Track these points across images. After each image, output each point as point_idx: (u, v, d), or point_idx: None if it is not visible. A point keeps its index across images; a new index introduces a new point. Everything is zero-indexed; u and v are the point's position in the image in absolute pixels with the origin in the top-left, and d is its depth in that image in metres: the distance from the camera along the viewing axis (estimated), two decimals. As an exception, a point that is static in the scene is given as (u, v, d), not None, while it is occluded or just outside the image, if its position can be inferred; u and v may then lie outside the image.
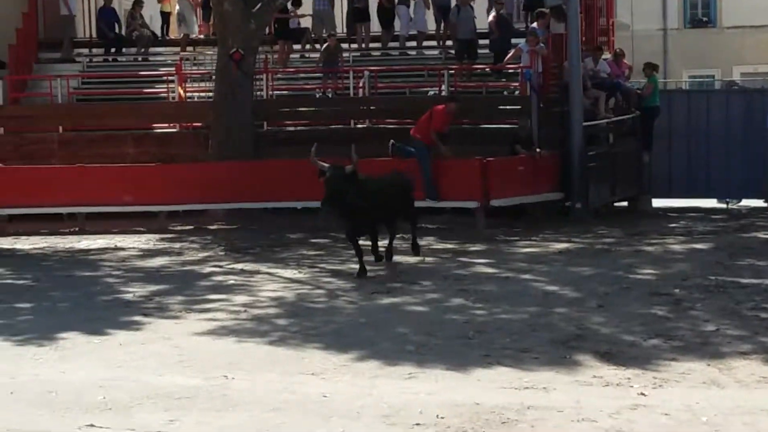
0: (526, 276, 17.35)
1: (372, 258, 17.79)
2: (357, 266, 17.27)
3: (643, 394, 10.40)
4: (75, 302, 15.89)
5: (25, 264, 19.50)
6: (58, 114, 26.32)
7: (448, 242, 20.37)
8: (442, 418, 9.80)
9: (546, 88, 25.32)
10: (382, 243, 18.10)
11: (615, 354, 12.07)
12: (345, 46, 28.17)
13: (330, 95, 27.20)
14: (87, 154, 24.37)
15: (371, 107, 26.19)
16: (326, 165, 16.83)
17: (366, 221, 17.38)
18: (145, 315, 14.99)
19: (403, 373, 11.58)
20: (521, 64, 25.48)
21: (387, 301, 15.61)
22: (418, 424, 9.68)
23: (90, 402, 10.75)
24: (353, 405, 10.39)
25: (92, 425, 9.98)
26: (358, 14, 28.45)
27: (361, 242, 17.59)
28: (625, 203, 26.67)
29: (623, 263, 18.39)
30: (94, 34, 29.05)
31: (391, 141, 22.35)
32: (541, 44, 25.28)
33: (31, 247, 21.39)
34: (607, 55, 27.58)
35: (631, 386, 10.75)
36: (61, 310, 15.40)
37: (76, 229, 22.95)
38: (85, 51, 28.83)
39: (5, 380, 11.65)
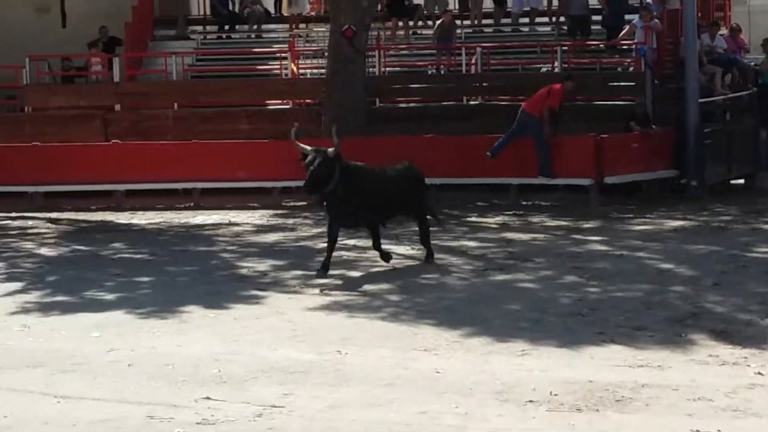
0: (641, 254, 17.31)
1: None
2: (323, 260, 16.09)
3: (760, 373, 10.40)
4: (192, 276, 16.27)
5: (142, 239, 19.91)
6: (173, 91, 26.76)
7: (562, 220, 20.39)
8: (555, 395, 9.94)
9: (661, 65, 25.20)
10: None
11: (731, 333, 12.06)
12: (458, 22, 28.08)
13: (442, 72, 27.25)
14: (201, 130, 24.78)
15: (483, 84, 26.25)
16: (308, 148, 15.88)
17: (351, 212, 16.09)
18: (260, 290, 15.26)
19: (515, 349, 11.70)
20: (635, 40, 25.40)
21: (499, 278, 15.71)
22: (531, 401, 9.83)
23: (206, 375, 11.06)
24: (466, 381, 10.55)
25: (208, 398, 10.29)
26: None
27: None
28: (741, 181, 25.93)
29: (740, 241, 18.28)
30: (207, 12, 29.40)
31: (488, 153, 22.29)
32: (656, 20, 25.19)
33: (147, 222, 21.81)
34: (723, 31, 27.19)
35: (748, 365, 10.73)
36: (179, 284, 15.78)
37: (191, 204, 23.35)
38: (199, 28, 29.30)
39: (125, 353, 12.02)
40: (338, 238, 16.30)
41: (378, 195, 16.22)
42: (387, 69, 27.50)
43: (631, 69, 25.90)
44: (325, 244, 16.30)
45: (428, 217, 17.18)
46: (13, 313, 14.28)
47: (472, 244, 18.48)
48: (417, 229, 17.13)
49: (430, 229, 17.11)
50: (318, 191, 15.86)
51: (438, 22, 27.39)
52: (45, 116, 25.87)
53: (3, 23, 27.44)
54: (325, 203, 16.29)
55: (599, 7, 27.17)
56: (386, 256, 16.54)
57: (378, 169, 16.68)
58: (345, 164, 15.70)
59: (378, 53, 27.04)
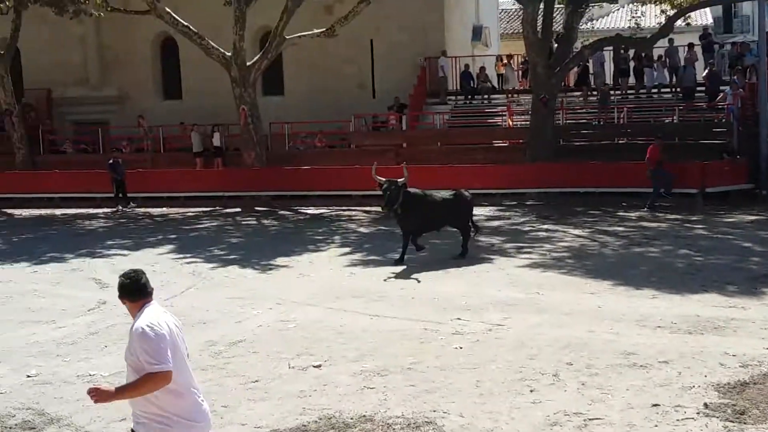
0: (729, 236, 16.80)
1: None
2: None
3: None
4: (448, 245, 16.21)
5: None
6: (437, 135, 27.04)
7: (677, 215, 19.76)
8: (675, 323, 9.94)
9: (744, 117, 24.24)
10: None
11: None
12: (612, 92, 27.52)
13: (602, 122, 26.77)
14: (454, 159, 24.99)
15: (628, 130, 25.66)
16: (383, 179, 14.71)
17: (408, 223, 14.76)
18: (489, 254, 15.38)
19: (648, 294, 11.63)
20: (727, 102, 24.47)
21: (637, 250, 15.45)
22: (659, 327, 9.84)
23: (457, 305, 11.30)
24: (616, 313, 10.55)
25: (459, 318, 10.51)
26: (621, 72, 27.84)
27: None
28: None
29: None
30: (458, 87, 29.52)
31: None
32: (740, 89, 24.24)
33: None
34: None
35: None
36: (442, 249, 15.85)
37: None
38: (453, 98, 29.33)
39: (409, 291, 12.32)
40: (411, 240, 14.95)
41: (426, 213, 14.81)
42: (567, 121, 27.18)
43: (723, 120, 24.85)
44: (529, 228, 16.07)
45: (470, 226, 15.60)
46: (345, 266, 14.76)
47: (619, 228, 18.14)
48: (461, 235, 15.40)
49: (471, 234, 15.56)
50: (392, 208, 14.44)
51: (600, 91, 26.93)
52: (362, 150, 26.47)
53: (338, 95, 28.20)
54: (393, 216, 15.00)
55: (703, 81, 26.16)
56: (420, 248, 14.94)
57: (429, 194, 15.07)
58: (406, 191, 14.54)
59: (562, 111, 26.75)
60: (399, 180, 14.56)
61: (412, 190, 14.75)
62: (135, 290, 4.99)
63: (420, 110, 28.35)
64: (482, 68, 29.69)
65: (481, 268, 14.07)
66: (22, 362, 9.15)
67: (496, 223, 19.75)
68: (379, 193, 23.35)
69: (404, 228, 14.87)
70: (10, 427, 7.17)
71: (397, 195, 14.36)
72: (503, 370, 8.38)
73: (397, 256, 14.71)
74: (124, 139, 29.15)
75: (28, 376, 8.61)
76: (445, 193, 15.34)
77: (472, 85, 29.03)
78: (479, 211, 21.65)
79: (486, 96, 29.18)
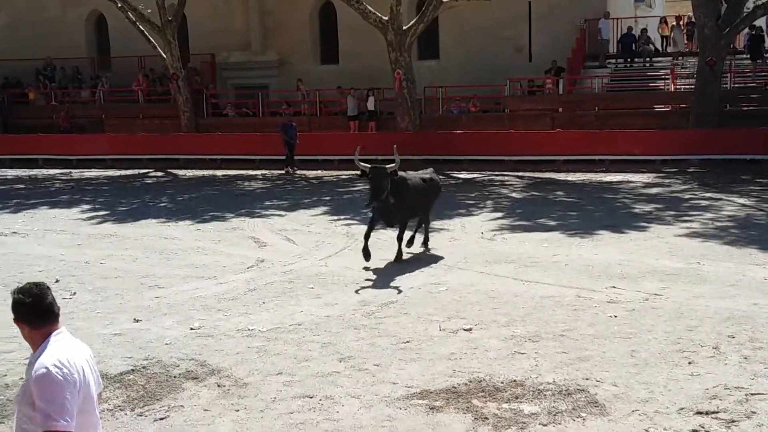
0: None
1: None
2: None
3: None
4: (603, 213, 16.14)
5: (573, 189, 19.87)
6: (595, 99, 26.39)
7: None
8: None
9: None
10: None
11: None
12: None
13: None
14: (612, 123, 24.42)
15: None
16: (367, 166, 12.17)
17: (397, 216, 12.40)
18: (646, 222, 14.96)
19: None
20: None
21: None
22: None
23: (612, 273, 11.05)
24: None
25: (614, 287, 10.30)
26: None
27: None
28: None
29: None
30: (618, 50, 28.60)
31: None
32: None
33: (576, 179, 21.72)
34: None
35: None
36: (594, 217, 15.69)
37: (604, 169, 22.93)
38: (613, 61, 28.44)
39: (562, 257, 12.14)
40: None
41: (415, 199, 12.59)
42: (735, 85, 25.91)
43: None
44: (690, 196, 15.45)
45: None
46: (493, 230, 14.68)
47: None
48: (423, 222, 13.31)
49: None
50: (380, 200, 11.83)
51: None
52: (517, 115, 26.23)
53: (492, 58, 27.85)
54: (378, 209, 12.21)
55: None
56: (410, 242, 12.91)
57: (412, 177, 12.78)
58: (395, 177, 12.10)
59: (730, 75, 25.52)
60: (388, 165, 12.05)
61: (400, 176, 12.32)
62: (38, 313, 3.80)
63: (578, 74, 27.66)
64: (644, 30, 28.67)
65: (639, 236, 13.67)
66: (186, 315, 9.60)
67: (654, 191, 19.14)
68: (534, 158, 23.44)
69: (392, 221, 12.48)
70: (175, 376, 7.55)
71: (385, 184, 11.82)
72: (660, 340, 8.14)
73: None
74: (282, 103, 29.95)
75: (192, 329, 9.03)
76: (423, 174, 13.21)
77: (633, 48, 28.06)
78: (638, 178, 21.12)
79: (648, 59, 28.16)
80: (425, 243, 13.17)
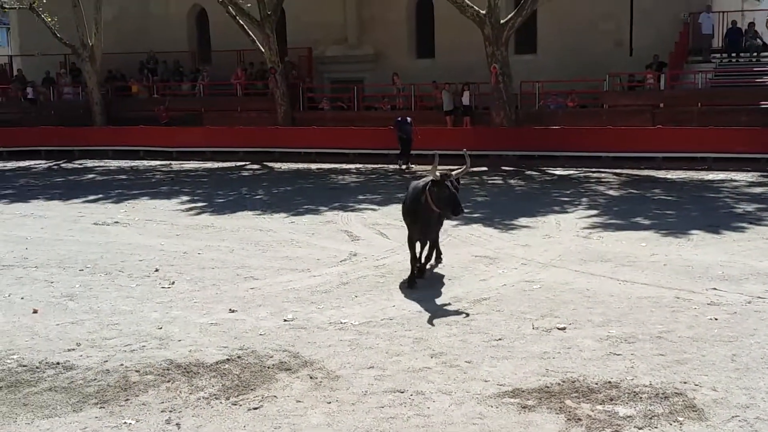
0: None
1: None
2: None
3: None
4: (702, 212, 15.73)
5: (673, 187, 19.41)
6: (699, 95, 25.56)
7: None
8: None
9: None
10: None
11: None
12: None
13: None
14: (716, 120, 23.70)
15: None
16: (444, 172, 10.41)
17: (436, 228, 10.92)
18: (749, 223, 14.51)
19: None
20: None
21: None
22: None
23: (713, 274, 10.77)
24: None
25: (715, 288, 10.02)
26: None
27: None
28: None
29: None
30: (723, 44, 27.76)
31: None
32: None
33: (676, 176, 21.21)
34: None
35: None
36: (693, 216, 15.30)
37: (707, 167, 22.31)
38: (718, 56, 27.58)
39: (661, 257, 11.87)
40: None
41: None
42: None
43: None
44: None
45: None
46: (593, 228, 14.44)
47: None
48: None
49: None
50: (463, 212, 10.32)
51: None
52: (616, 111, 25.75)
53: (591, 52, 27.37)
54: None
55: None
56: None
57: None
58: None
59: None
60: (455, 171, 10.71)
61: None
62: None
63: (680, 69, 26.93)
64: (751, 24, 27.73)
65: (741, 236, 13.25)
66: (280, 307, 9.75)
67: (758, 190, 18.54)
68: (633, 155, 22.94)
69: (430, 236, 10.90)
70: (269, 367, 7.68)
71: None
72: (763, 345, 7.88)
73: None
74: (378, 97, 30.09)
75: (285, 321, 9.17)
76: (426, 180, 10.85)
77: (739, 42, 27.17)
78: (741, 176, 20.48)
79: (755, 54, 27.23)
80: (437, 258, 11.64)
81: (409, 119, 24.85)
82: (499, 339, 8.33)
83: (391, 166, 24.95)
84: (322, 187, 21.24)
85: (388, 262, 11.88)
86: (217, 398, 6.97)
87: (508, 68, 25.40)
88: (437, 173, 10.24)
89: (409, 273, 10.69)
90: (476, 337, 8.42)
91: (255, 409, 6.74)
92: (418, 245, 10.87)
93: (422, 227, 10.58)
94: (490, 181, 21.57)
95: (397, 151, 24.69)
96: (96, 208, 18.22)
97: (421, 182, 10.77)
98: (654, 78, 26.64)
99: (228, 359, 7.91)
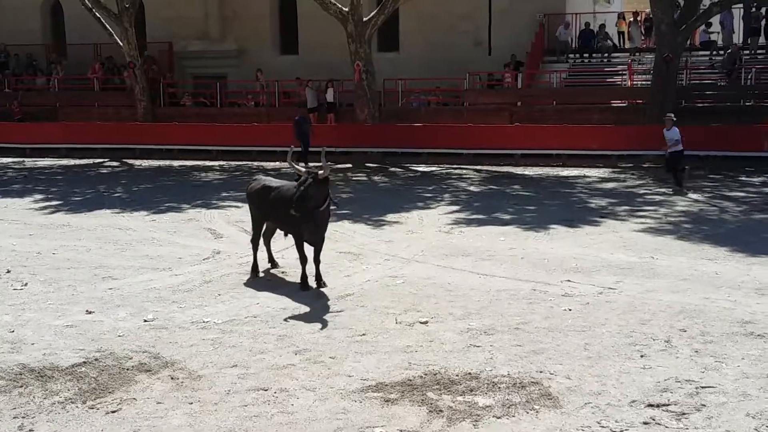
0: None
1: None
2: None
3: None
4: (558, 207, 16.27)
5: (530, 183, 20.01)
6: (554, 94, 26.55)
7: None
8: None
9: None
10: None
11: None
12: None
13: (723, 84, 25.76)
14: (570, 119, 24.55)
15: (755, 92, 24.69)
16: (302, 169, 10.07)
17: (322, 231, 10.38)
18: (601, 217, 15.11)
19: None
20: None
21: (759, 217, 14.93)
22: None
23: (567, 267, 11.14)
24: (734, 281, 10.26)
25: (569, 280, 10.37)
26: (752, 31, 26.75)
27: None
28: None
29: None
30: (576, 45, 28.84)
31: None
32: None
33: (533, 173, 21.87)
34: None
35: None
36: (550, 211, 15.81)
37: (561, 164, 23.12)
38: (571, 56, 28.62)
39: (518, 251, 12.21)
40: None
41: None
42: (691, 81, 26.23)
43: None
44: (645, 191, 15.52)
45: None
46: (449, 224, 14.71)
47: (741, 194, 17.56)
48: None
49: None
50: (305, 209, 9.75)
51: (728, 51, 25.87)
52: (476, 108, 26.34)
53: (452, 51, 27.94)
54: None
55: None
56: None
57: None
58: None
59: (686, 71, 25.84)
60: (319, 172, 9.85)
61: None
62: None
63: (537, 68, 27.82)
64: (602, 26, 28.96)
65: (593, 230, 13.81)
66: (140, 307, 9.50)
67: (610, 185, 19.35)
68: (493, 151, 23.51)
69: (318, 239, 10.34)
70: (128, 369, 7.48)
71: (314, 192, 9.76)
72: (613, 333, 8.23)
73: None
74: (241, 93, 29.76)
75: (145, 321, 8.94)
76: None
77: (592, 43, 28.30)
78: (594, 173, 21.32)
79: (606, 55, 28.43)
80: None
81: (307, 117, 24.64)
82: (363, 334, 8.38)
83: (255, 163, 24.73)
84: (184, 184, 20.83)
85: (251, 260, 11.76)
86: (73, 402, 6.73)
87: (372, 65, 25.59)
88: (300, 169, 10.16)
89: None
90: (340, 332, 8.45)
91: (113, 412, 6.54)
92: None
93: (311, 230, 10.19)
94: (354, 178, 21.68)
95: (294, 149, 24.24)
96: (-58, 208, 17.29)
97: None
98: (512, 77, 27.40)
99: (85, 362, 7.64)
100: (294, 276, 10.79)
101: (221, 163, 25.13)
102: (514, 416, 6.34)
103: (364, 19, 25.04)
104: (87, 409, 6.60)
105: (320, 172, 9.86)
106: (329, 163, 10.24)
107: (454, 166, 23.35)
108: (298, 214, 9.76)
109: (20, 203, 17.72)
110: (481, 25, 28.89)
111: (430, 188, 19.35)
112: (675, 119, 18.29)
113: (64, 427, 6.28)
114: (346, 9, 24.83)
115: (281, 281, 10.66)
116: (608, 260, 11.43)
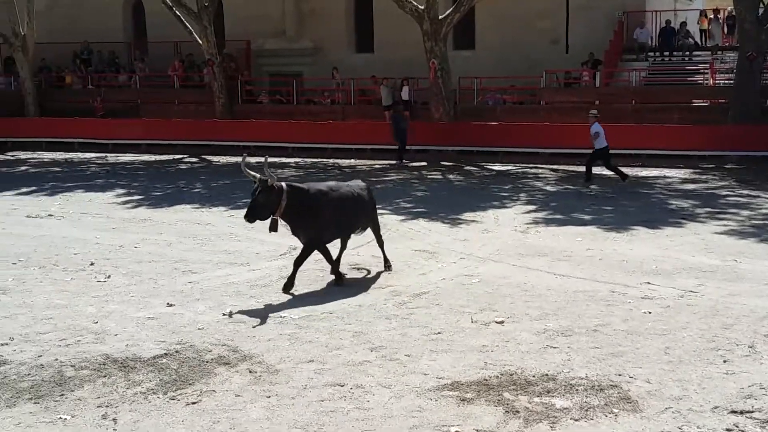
0: None
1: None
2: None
3: None
4: (638, 207, 16.00)
5: (607, 183, 19.64)
6: (632, 93, 26.04)
7: None
8: None
9: None
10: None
11: None
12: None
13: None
14: (649, 118, 24.10)
15: None
16: (257, 176, 10.12)
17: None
18: (682, 218, 14.81)
19: None
20: None
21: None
22: None
23: (647, 269, 10.97)
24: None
25: (648, 283, 10.20)
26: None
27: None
28: None
29: None
30: (656, 44, 28.29)
31: None
32: None
33: (611, 173, 21.49)
34: None
35: None
36: (628, 211, 15.56)
37: (640, 164, 22.64)
38: (651, 54, 28.07)
39: (597, 251, 12.06)
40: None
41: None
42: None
43: None
44: (727, 192, 15.14)
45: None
46: (530, 223, 14.60)
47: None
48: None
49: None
50: (251, 220, 10.19)
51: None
52: (553, 107, 26.06)
53: (528, 49, 27.68)
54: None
55: None
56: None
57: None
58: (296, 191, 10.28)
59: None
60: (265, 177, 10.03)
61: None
62: None
63: (615, 67, 27.37)
64: (683, 23, 28.33)
65: (674, 232, 13.54)
66: (219, 301, 9.67)
67: (690, 186, 18.94)
68: (570, 151, 23.23)
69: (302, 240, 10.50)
70: (207, 361, 7.62)
71: (264, 199, 10.02)
72: (695, 338, 8.07)
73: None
74: (317, 91, 30.00)
75: (224, 315, 9.09)
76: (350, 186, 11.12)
77: (672, 41, 27.74)
78: (674, 173, 20.91)
79: (687, 53, 27.83)
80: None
81: (405, 114, 24.68)
82: (439, 332, 8.38)
83: (330, 161, 24.91)
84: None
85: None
86: (154, 393, 6.89)
87: (447, 64, 25.52)
88: (252, 175, 10.22)
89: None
90: (416, 330, 8.46)
91: (193, 403, 6.67)
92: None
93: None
94: (429, 176, 21.66)
95: (395, 147, 24.31)
96: (29, 201, 17.85)
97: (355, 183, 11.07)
98: (589, 75, 27.03)
99: (166, 354, 7.81)
100: (369, 275, 10.85)
101: (297, 159, 25.37)
102: (592, 419, 6.27)
103: (440, 16, 24.98)
104: (168, 400, 6.74)
105: (268, 179, 9.94)
106: (271, 169, 10.25)
107: (530, 165, 23.14)
108: (250, 222, 10.17)
109: (103, 197, 18.18)
110: (559, 23, 28.54)
111: (506, 187, 19.22)
112: (598, 115, 19.41)
113: (146, 417, 6.43)
114: (422, 7, 24.80)
115: (356, 278, 10.72)
116: (689, 263, 11.20)
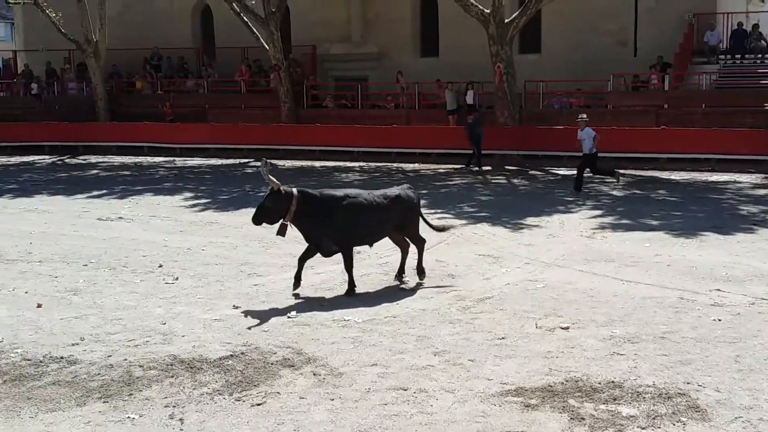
0: None
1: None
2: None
3: None
4: (707, 213, 15.68)
5: (676, 188, 19.38)
6: (703, 96, 25.56)
7: None
8: None
9: None
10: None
11: None
12: None
13: None
14: (719, 122, 23.65)
15: None
16: (277, 182, 10.18)
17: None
18: (754, 224, 14.49)
19: None
20: None
21: None
22: None
23: (717, 275, 10.75)
24: None
25: (719, 290, 9.98)
26: None
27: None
28: None
29: None
30: (727, 46, 27.71)
31: None
32: None
33: (681, 178, 21.20)
34: None
35: None
36: (698, 217, 15.28)
37: (710, 168, 22.30)
38: (722, 57, 27.48)
39: (665, 257, 11.84)
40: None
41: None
42: None
43: None
44: None
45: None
46: (596, 228, 14.42)
47: None
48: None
49: None
50: (259, 223, 10.31)
51: None
52: (620, 111, 25.71)
53: (595, 51, 27.35)
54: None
55: None
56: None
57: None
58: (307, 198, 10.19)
59: None
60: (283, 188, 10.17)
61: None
62: None
63: (685, 70, 26.87)
64: (755, 26, 27.69)
65: (745, 238, 13.24)
66: (283, 303, 9.76)
67: (762, 192, 18.52)
68: (637, 155, 22.88)
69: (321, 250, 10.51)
70: (272, 363, 7.69)
71: (270, 204, 10.15)
72: (766, 346, 7.87)
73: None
74: (382, 96, 30.11)
75: (289, 317, 9.17)
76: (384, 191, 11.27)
77: (744, 44, 27.14)
78: (745, 178, 20.44)
79: (759, 55, 27.19)
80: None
81: (479, 120, 24.64)
82: (503, 338, 8.33)
83: (394, 165, 24.96)
84: (325, 184, 21.16)
85: (391, 260, 11.86)
86: (220, 394, 6.98)
87: (512, 67, 25.37)
88: (274, 181, 10.19)
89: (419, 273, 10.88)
90: (479, 335, 8.42)
91: (258, 405, 6.74)
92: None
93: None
94: (494, 181, 21.57)
95: (470, 152, 24.28)
96: (100, 204, 18.25)
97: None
98: (658, 79, 26.61)
99: (231, 355, 7.91)
100: (433, 279, 10.84)
101: (361, 164, 25.50)
102: (659, 427, 6.16)
103: (506, 20, 24.87)
104: (234, 401, 6.83)
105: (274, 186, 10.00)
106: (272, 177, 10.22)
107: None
108: (256, 225, 10.28)
109: (171, 201, 18.50)
110: (627, 25, 28.17)
111: (570, 192, 19.02)
112: (587, 119, 19.00)
113: (212, 417, 6.52)
114: (488, 11, 24.72)
115: (420, 284, 10.71)
116: (761, 270, 10.94)
